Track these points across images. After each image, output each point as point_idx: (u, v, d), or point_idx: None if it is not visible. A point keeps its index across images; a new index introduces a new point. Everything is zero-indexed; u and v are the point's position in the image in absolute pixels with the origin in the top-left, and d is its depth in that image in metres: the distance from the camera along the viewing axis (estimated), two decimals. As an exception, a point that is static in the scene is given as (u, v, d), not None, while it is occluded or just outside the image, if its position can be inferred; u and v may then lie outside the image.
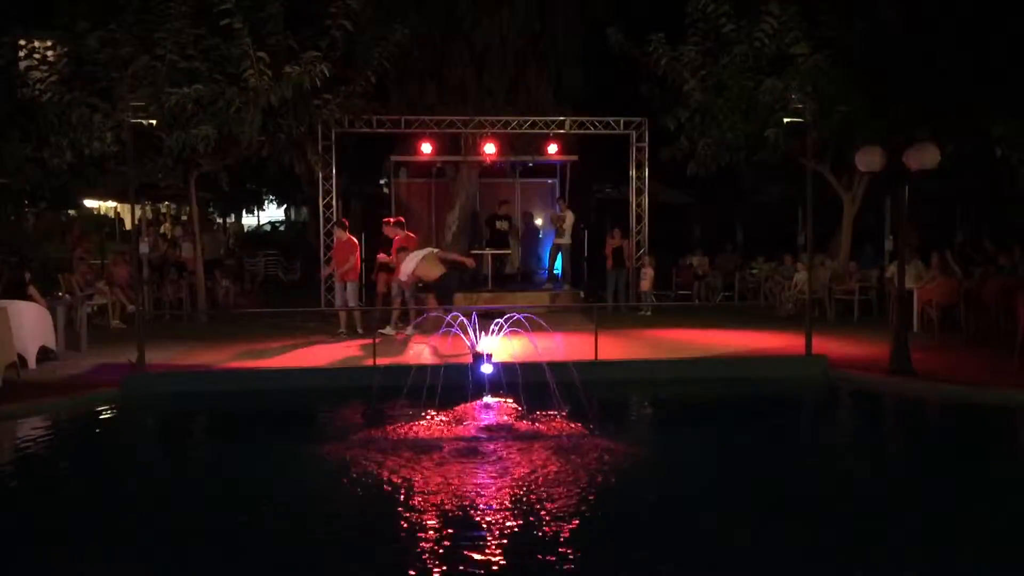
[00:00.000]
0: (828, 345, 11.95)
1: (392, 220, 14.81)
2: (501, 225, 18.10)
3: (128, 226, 22.90)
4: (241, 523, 6.12)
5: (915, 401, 10.07)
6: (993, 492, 6.77)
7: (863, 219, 17.02)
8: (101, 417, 9.37)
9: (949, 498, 6.64)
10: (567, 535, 5.68)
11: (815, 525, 6.00)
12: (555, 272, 18.50)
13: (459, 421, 8.60)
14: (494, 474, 7.00)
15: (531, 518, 5.97)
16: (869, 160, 10.99)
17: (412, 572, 5.10)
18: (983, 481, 7.07)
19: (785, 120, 12.41)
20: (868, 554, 5.47)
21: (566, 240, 18.06)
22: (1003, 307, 13.00)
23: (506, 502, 6.32)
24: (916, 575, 5.23)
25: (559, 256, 18.33)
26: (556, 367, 9.50)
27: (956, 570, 5.29)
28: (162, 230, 23.39)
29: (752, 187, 19.98)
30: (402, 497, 6.42)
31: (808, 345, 11.24)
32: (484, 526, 5.82)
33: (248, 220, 39.43)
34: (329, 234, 16.48)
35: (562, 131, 17.31)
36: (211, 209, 31.52)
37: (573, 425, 8.41)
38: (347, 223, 14.58)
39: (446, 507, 6.18)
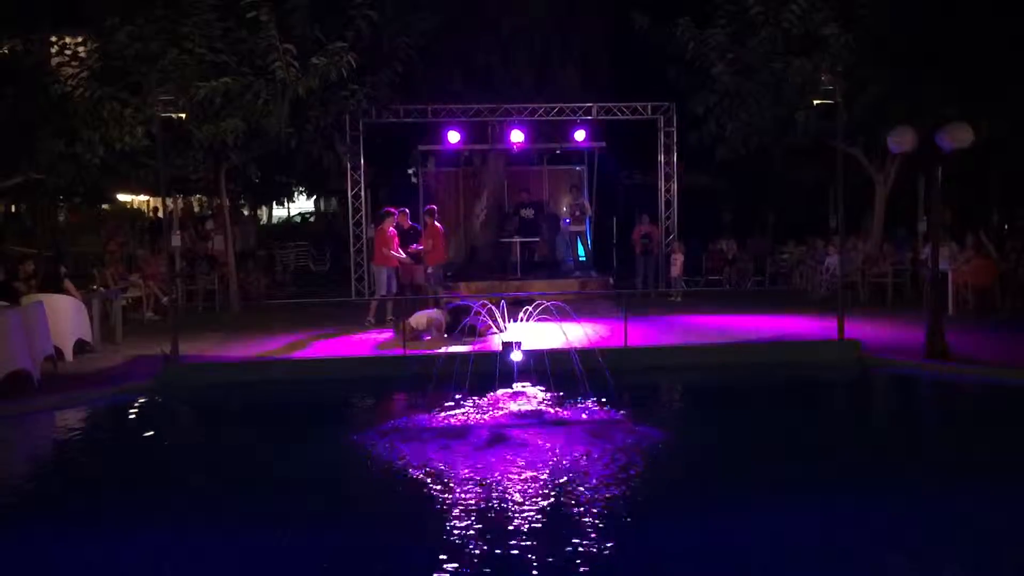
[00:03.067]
0: (862, 329, 11.81)
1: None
2: (526, 213, 18.09)
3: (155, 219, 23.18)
4: (282, 506, 6.22)
5: (950, 385, 9.92)
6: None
7: (896, 201, 16.78)
8: (139, 407, 9.49)
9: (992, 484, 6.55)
10: (600, 522, 5.69)
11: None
12: (580, 258, 18.48)
13: (490, 408, 8.62)
14: (524, 461, 7.01)
15: (564, 504, 5.99)
16: (901, 140, 10.83)
17: (449, 553, 5.15)
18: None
19: (815, 101, 12.25)
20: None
21: (581, 227, 18.28)
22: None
23: (538, 488, 6.34)
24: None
25: (578, 242, 18.43)
26: (585, 354, 9.49)
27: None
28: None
29: (783, 170, 19.78)
30: (437, 482, 6.46)
31: (840, 329, 11.13)
32: (517, 514, 5.85)
33: (279, 211, 39.73)
34: (359, 224, 16.62)
35: (589, 117, 17.23)
36: (242, 201, 31.72)
37: (604, 412, 8.40)
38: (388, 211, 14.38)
39: (479, 492, 6.22)
